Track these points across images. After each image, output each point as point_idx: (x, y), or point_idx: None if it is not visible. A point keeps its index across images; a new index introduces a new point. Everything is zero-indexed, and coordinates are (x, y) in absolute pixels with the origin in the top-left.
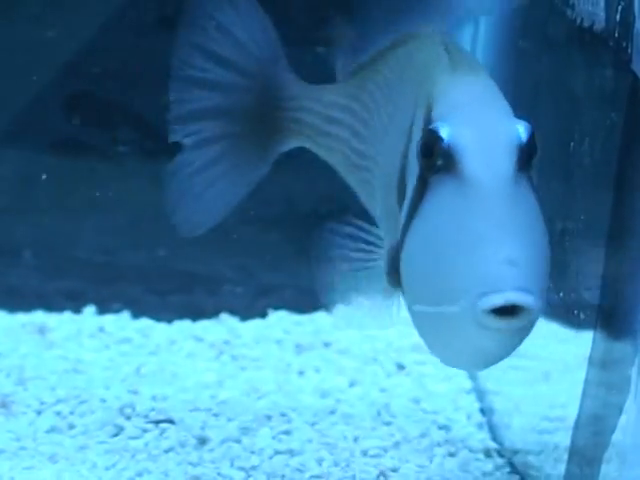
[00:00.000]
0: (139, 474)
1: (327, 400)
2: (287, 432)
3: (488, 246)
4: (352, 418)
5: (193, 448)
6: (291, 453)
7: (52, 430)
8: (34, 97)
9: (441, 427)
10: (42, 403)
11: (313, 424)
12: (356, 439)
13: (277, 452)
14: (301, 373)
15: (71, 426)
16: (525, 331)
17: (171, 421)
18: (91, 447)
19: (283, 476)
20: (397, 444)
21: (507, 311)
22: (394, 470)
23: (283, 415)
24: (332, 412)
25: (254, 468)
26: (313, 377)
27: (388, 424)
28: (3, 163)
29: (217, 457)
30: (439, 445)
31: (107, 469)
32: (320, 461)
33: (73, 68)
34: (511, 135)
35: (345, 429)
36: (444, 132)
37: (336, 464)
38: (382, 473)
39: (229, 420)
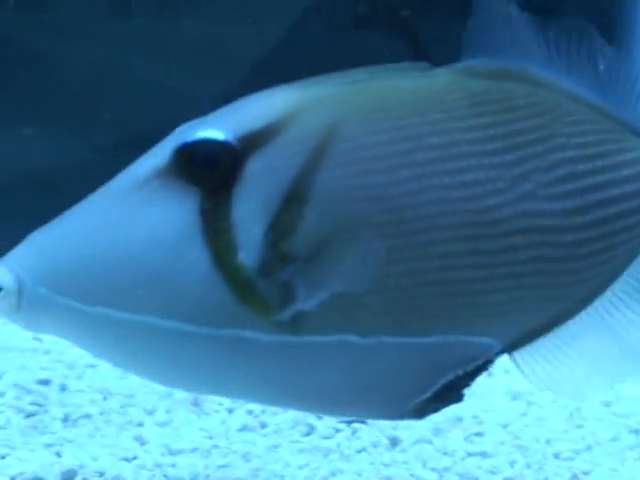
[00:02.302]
0: (332, 474)
1: (518, 402)
2: (479, 434)
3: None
4: (544, 420)
5: (385, 448)
6: (483, 455)
7: (244, 429)
8: (223, 95)
9: (632, 431)
10: (234, 402)
11: (505, 426)
12: (548, 441)
13: (469, 454)
14: (490, 374)
15: (263, 425)
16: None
17: (363, 421)
18: (284, 446)
19: (476, 478)
20: (589, 447)
21: None
22: (586, 473)
23: (475, 417)
24: (524, 414)
25: (446, 469)
26: (502, 378)
27: (580, 427)
28: None
29: (409, 458)
30: (630, 449)
31: (300, 468)
32: (512, 463)
33: (263, 66)
34: (178, 139)
35: (537, 431)
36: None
37: (528, 466)
38: (575, 476)
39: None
